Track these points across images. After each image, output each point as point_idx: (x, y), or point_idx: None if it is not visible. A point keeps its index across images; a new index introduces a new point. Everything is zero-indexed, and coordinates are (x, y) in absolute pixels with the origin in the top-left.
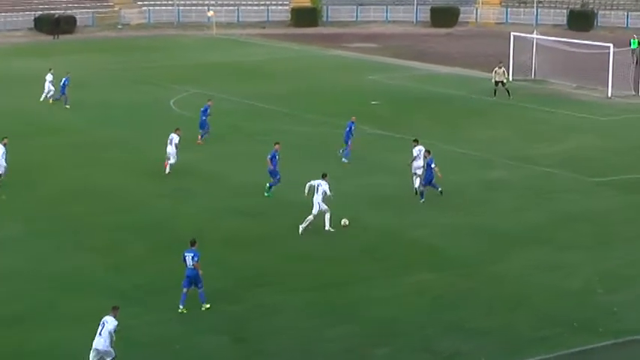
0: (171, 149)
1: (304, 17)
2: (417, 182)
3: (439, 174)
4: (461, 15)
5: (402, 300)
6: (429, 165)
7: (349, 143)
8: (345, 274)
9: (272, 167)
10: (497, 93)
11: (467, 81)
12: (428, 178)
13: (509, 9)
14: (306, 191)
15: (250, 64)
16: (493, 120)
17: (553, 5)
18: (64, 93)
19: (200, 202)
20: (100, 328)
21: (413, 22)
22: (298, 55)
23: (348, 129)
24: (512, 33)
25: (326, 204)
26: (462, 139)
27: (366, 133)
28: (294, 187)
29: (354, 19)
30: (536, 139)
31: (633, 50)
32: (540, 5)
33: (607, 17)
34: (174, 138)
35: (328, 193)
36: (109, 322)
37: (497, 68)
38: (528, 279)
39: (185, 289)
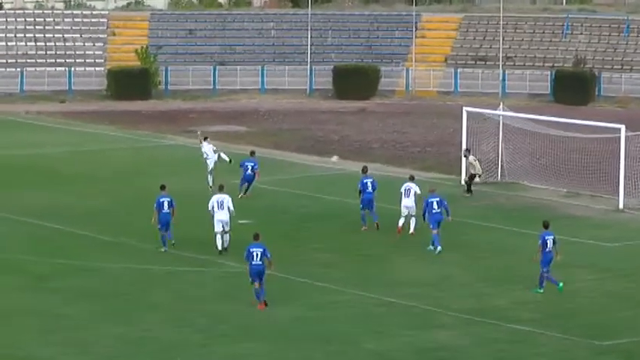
0: None
1: (129, 84)
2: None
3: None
4: (383, 79)
5: None
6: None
7: None
8: None
9: None
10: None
11: (394, 184)
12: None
13: (459, 70)
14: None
15: (39, 160)
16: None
17: (529, 64)
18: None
19: None
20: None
21: (306, 91)
22: (119, 145)
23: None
24: (464, 108)
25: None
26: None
27: None
28: None
29: (211, 86)
30: (505, 279)
31: None
32: (509, 64)
33: (615, 82)
34: None
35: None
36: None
37: (465, 158)
38: None
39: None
